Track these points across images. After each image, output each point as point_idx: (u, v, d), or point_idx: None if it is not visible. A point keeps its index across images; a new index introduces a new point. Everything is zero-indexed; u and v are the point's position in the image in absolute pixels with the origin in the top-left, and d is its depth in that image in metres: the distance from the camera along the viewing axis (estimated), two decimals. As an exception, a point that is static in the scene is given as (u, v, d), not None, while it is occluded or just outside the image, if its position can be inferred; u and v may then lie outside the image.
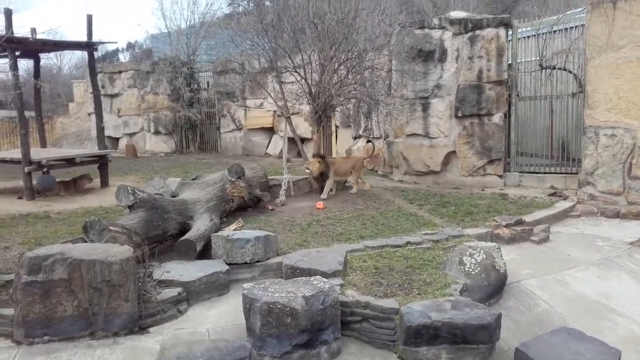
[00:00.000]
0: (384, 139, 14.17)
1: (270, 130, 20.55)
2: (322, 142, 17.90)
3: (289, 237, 7.75)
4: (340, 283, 5.80)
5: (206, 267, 6.34)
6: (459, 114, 12.24)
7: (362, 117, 15.41)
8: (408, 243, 7.35)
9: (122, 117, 22.77)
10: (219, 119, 21.91)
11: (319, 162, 10.22)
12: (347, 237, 7.75)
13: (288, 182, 10.72)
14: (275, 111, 19.52)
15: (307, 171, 10.27)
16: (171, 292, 5.81)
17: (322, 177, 10.40)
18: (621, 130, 10.05)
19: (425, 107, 12.58)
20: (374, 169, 15.11)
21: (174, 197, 8.55)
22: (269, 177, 10.84)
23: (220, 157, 20.27)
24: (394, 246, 7.22)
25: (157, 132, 21.87)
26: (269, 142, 20.75)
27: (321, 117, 11.08)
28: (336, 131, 18.55)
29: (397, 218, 8.99)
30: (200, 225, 7.35)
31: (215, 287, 6.17)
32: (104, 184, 12.64)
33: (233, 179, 9.16)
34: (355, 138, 16.89)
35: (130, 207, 7.10)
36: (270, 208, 9.81)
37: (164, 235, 7.27)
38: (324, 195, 10.26)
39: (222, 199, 8.81)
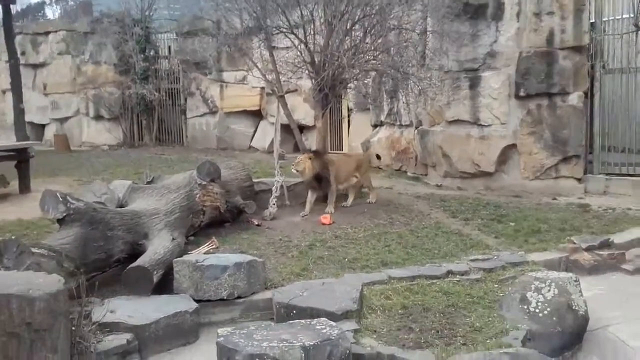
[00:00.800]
0: (416, 128, 14.18)
1: (257, 115, 20.64)
2: (329, 131, 18.01)
3: (283, 264, 7.75)
4: (355, 328, 5.78)
5: (166, 306, 6.33)
6: (521, 93, 12.24)
7: (384, 97, 15.42)
8: (449, 273, 7.34)
9: (50, 96, 22.89)
10: (185, 99, 21.99)
11: (309, 158, 10.09)
12: (364, 264, 7.75)
13: (281, 186, 10.73)
14: (263, 88, 19.58)
15: (295, 172, 10.16)
16: (117, 340, 5.79)
17: (318, 181, 10.44)
18: None
19: (474, 84, 12.65)
20: (401, 168, 15.12)
21: (121, 207, 8.53)
22: (254, 180, 10.87)
23: (186, 151, 20.35)
24: (430, 277, 7.21)
25: (98, 117, 21.99)
26: (254, 131, 20.81)
27: (328, 96, 11.09)
28: (349, 116, 18.59)
29: (433, 238, 8.99)
30: (158, 246, 7.35)
31: (178, 334, 6.16)
32: (24, 188, 12.68)
33: (204, 182, 9.15)
34: (375, 126, 16.90)
35: (60, 221, 7.11)
36: (257, 223, 9.81)
37: (108, 260, 7.28)
38: (329, 208, 10.32)
39: (189, 210, 8.80)
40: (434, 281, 7.11)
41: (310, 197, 10.36)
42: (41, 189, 8.92)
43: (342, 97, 16.88)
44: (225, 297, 6.67)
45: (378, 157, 11.99)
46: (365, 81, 13.30)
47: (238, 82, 20.32)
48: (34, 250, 6.25)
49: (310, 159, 10.10)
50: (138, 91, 20.91)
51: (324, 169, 10.31)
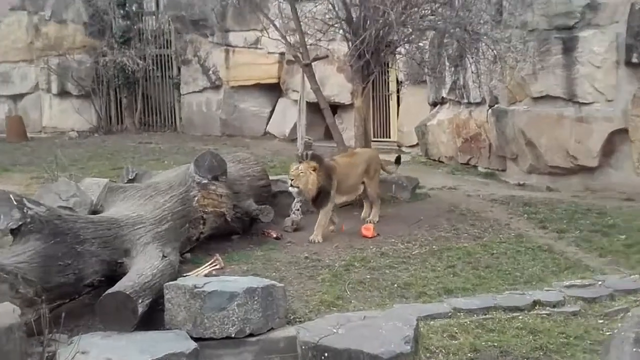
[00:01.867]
0: (490, 107, 14.06)
1: (274, 90, 20.70)
2: (372, 112, 17.89)
3: (310, 290, 7.74)
4: (408, 378, 5.75)
5: (155, 345, 6.33)
6: (634, 59, 12.07)
7: (447, 65, 15.32)
8: (536, 304, 7.27)
9: (0, 66, 23.10)
10: (179, 69, 22.09)
11: (314, 169, 9.72)
12: (420, 292, 7.72)
13: (308, 186, 10.76)
14: (282, 54, 19.63)
15: (293, 190, 9.79)
16: (90, 391, 5.82)
17: (319, 198, 9.94)
18: None
19: (569, 47, 12.54)
20: (469, 162, 15.02)
21: (95, 213, 8.58)
22: (271, 178, 10.88)
23: (180, 139, 20.44)
24: (510, 309, 7.15)
25: (63, 94, 22.16)
26: (271, 112, 20.82)
27: (370, 65, 11.05)
28: (399, 92, 18.49)
29: (514, 256, 8.94)
30: (143, 266, 7.37)
31: (171, 383, 6.17)
32: (-33, 188, 12.80)
33: (205, 181, 9.17)
34: (434, 104, 16.81)
35: (14, 233, 7.14)
36: (275, 235, 9.82)
37: (77, 284, 7.30)
38: (315, 236, 9.66)
39: (185, 217, 8.81)
40: (516, 315, 7.03)
41: (321, 217, 9.90)
42: (-11, 189, 8.99)
43: (390, 65, 16.79)
44: (233, 335, 6.64)
45: (398, 160, 11.52)
46: (421, 44, 13.23)
47: (249, 46, 20.36)
48: (-20, 270, 6.31)
49: (315, 169, 9.68)
50: (116, 59, 21.02)
51: (327, 180, 9.85)
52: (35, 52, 22.38)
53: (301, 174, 9.57)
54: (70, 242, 7.25)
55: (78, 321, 7.07)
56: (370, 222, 10.07)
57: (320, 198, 9.78)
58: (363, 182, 10.58)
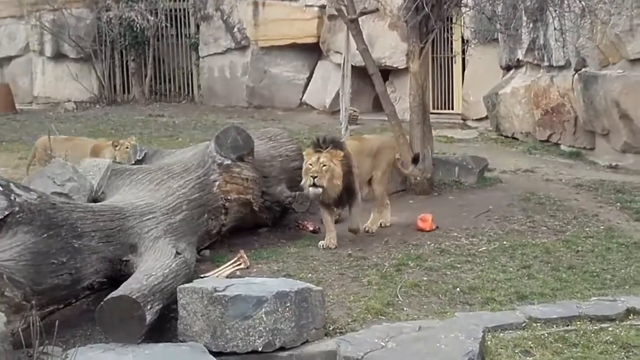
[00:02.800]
0: (576, 72, 13.92)
1: (313, 51, 20.77)
2: (431, 78, 17.75)
3: (354, 295, 7.75)
4: (471, 402, 5.76)
5: (166, 360, 6.42)
6: None
7: (523, 20, 15.19)
8: (630, 312, 7.20)
9: (-16, 24, 23.41)
10: (197, 27, 22.22)
11: (340, 158, 9.19)
12: (488, 297, 7.70)
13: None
14: (322, 7, 19.69)
15: (314, 191, 9.09)
16: (89, 415, 5.90)
17: (344, 194, 9.50)
18: None
19: (675, -4, 12.38)
20: (549, 138, 14.91)
21: (95, 201, 8.64)
22: (308, 159, 10.91)
23: (198, 110, 20.61)
24: (598, 319, 7.09)
25: (59, 57, 22.45)
26: (308, 79, 20.85)
27: (429, 20, 10.99)
28: (464, 54, 18.36)
29: (603, 254, 8.88)
30: (152, 265, 7.42)
31: (186, 406, 6.23)
32: (-55, 171, 12.99)
33: (228, 162, 9.21)
34: (508, 68, 16.69)
35: (-1, 224, 7.25)
36: (312, 228, 9.91)
37: (74, 286, 7.36)
38: (352, 225, 9.56)
39: (203, 206, 8.88)
40: (604, 326, 6.97)
41: (330, 219, 9.54)
42: (-30, 172, 9.11)
43: (453, 21, 16.68)
44: (260, 349, 6.68)
45: (415, 159, 10.85)
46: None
47: (282, -3, 20.43)
48: (-42, 269, 6.39)
49: (341, 159, 9.15)
50: (122, 14, 21.17)
51: (349, 169, 9.43)
52: (25, 6, 22.60)
53: (324, 167, 9.01)
54: (65, 235, 7.31)
55: (75, 330, 7.16)
56: (369, 230, 9.83)
57: (345, 194, 9.38)
58: (370, 178, 10.19)
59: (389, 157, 10.39)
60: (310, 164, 9.02)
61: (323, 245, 9.19)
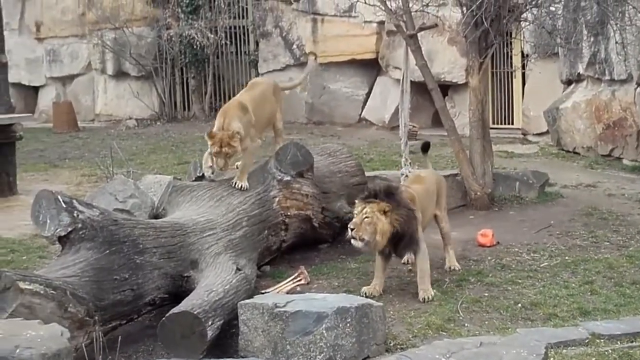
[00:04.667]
0: (638, 86, 13.76)
1: (372, 67, 20.71)
2: (491, 92, 17.64)
3: (415, 311, 7.76)
4: (534, 420, 5.70)
5: (228, 376, 6.42)
6: None
7: (584, 33, 15.08)
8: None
9: (47, 42, 23.67)
10: (257, 44, 22.24)
11: (385, 212, 8.18)
12: (550, 313, 7.65)
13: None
14: (382, 23, 19.61)
15: (356, 244, 8.25)
16: None
17: (402, 243, 8.50)
18: None
19: None
20: (611, 153, 14.77)
21: (157, 217, 8.71)
22: (367, 175, 10.88)
23: (258, 127, 20.55)
24: (663, 336, 7.01)
25: (120, 75, 22.63)
26: (367, 94, 20.78)
27: (489, 35, 10.94)
28: (524, 68, 18.25)
29: (669, 269, 8.80)
30: (213, 281, 7.45)
31: (247, 421, 6.24)
32: (7, 188, 13.11)
33: (287, 178, 9.24)
34: (568, 82, 16.56)
35: (63, 240, 7.28)
36: (372, 244, 9.84)
37: (136, 302, 7.42)
38: (425, 291, 8.26)
39: (264, 222, 8.91)
40: (671, 343, 6.88)
41: (382, 266, 8.62)
42: (33, 188, 9.19)
43: (513, 36, 16.60)
44: (321, 365, 6.70)
45: (425, 148, 9.89)
46: (552, 8, 13.06)
47: (341, 14, 20.41)
48: (22, 286, 6.45)
49: (386, 212, 8.16)
50: (183, 32, 21.34)
51: (407, 220, 8.37)
52: (87, 25, 22.86)
53: (366, 219, 8.08)
54: (127, 252, 7.38)
55: (137, 346, 7.21)
56: (450, 269, 9.18)
57: (403, 242, 8.39)
58: (435, 214, 9.35)
59: (445, 191, 9.59)
60: (355, 214, 8.24)
61: (366, 293, 8.20)
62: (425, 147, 9.90)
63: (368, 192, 8.43)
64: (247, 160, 9.16)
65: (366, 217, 8.06)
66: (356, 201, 8.46)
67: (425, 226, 8.93)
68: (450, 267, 9.09)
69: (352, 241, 8.17)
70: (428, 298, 8.13)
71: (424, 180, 9.36)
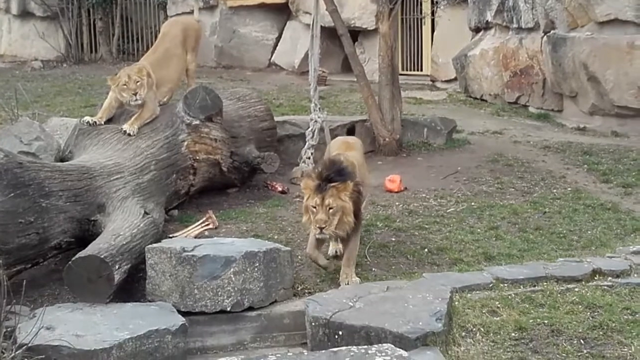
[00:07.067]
0: (545, 34, 13.93)
1: (282, 12, 20.66)
2: (400, 39, 17.72)
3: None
4: (438, 361, 5.79)
5: (134, 320, 6.38)
6: None
7: (492, -19, 15.22)
8: (596, 273, 7.27)
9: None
10: (165, -16, 21.96)
11: (347, 190, 7.28)
12: (456, 258, 7.76)
13: (321, 129, 10.81)
14: (292, -36, 19.48)
15: (322, 237, 7.44)
16: (56, 375, 5.88)
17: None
18: None
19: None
20: (518, 100, 14.94)
21: (63, 160, 8.59)
22: (277, 119, 10.93)
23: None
24: (564, 280, 7.16)
25: (25, 15, 22.10)
26: (277, 39, 20.73)
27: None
28: (433, 15, 18.32)
29: (570, 215, 8.95)
30: (121, 224, 7.41)
31: (154, 366, 6.25)
32: None
33: (196, 122, 9.18)
34: (477, 30, 16.69)
35: (-34, 183, 7.19)
36: (281, 189, 9.89)
37: (42, 246, 7.33)
38: (349, 273, 7.42)
39: (172, 166, 8.87)
40: (571, 286, 7.03)
41: (348, 251, 7.62)
42: None
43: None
44: (229, 309, 6.71)
45: (351, 131, 9.42)
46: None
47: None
48: None
49: (347, 191, 7.29)
50: (90, -29, 20.97)
51: (357, 197, 7.58)
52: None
53: (331, 210, 7.20)
54: (33, 195, 7.28)
55: (42, 290, 7.16)
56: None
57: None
58: None
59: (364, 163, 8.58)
60: (314, 207, 7.22)
61: (341, 283, 7.30)
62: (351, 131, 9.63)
63: (317, 178, 7.29)
64: (144, 113, 9.07)
65: (331, 209, 7.20)
66: (305, 183, 7.41)
67: (365, 198, 8.01)
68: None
69: (320, 235, 7.31)
70: (348, 283, 7.30)
71: (354, 146, 8.55)
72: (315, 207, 7.18)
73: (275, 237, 8.08)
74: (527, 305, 6.72)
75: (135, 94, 8.80)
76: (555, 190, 9.77)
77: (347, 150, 8.24)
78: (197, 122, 9.16)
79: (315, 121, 10.61)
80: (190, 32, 10.14)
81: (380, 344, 5.54)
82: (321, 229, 7.14)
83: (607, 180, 10.24)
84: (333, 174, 7.23)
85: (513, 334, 6.28)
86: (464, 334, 6.30)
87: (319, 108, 10.80)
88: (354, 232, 7.48)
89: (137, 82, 8.82)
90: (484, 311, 6.60)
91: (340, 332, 6.10)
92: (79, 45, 21.83)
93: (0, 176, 7.13)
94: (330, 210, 7.15)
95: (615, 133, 12.81)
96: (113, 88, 8.99)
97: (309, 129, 10.56)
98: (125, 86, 8.79)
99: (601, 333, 6.30)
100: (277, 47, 20.46)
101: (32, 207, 7.24)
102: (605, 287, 7.05)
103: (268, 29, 20.55)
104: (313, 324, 6.26)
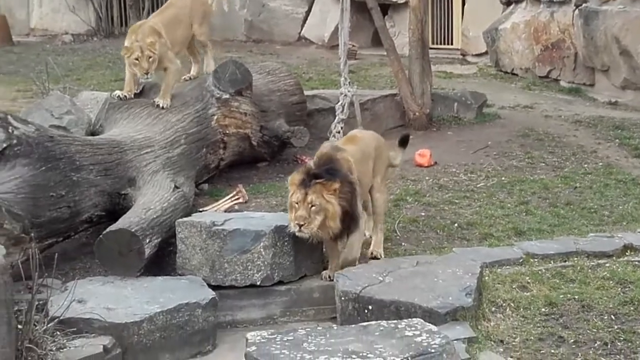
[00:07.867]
0: (576, 7, 13.83)
1: (312, -16, 20.59)
2: (430, 12, 17.62)
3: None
4: (469, 336, 5.77)
5: (165, 294, 6.43)
6: None
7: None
8: (628, 249, 7.25)
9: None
10: (195, -41, 21.86)
11: (335, 189, 6.81)
12: (486, 233, 7.75)
13: (351, 103, 10.75)
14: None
15: (298, 234, 6.83)
16: (89, 347, 5.88)
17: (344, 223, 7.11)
18: None
19: None
20: (549, 74, 14.85)
21: (94, 134, 8.63)
22: (306, 93, 10.91)
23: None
24: (595, 255, 7.15)
25: (56, -11, 22.15)
26: (307, 13, 20.62)
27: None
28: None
29: (601, 191, 8.92)
30: (151, 198, 7.44)
31: (184, 339, 6.26)
32: (-58, 103, 12.96)
33: (226, 96, 9.18)
34: (507, 3, 16.58)
35: (-3, 157, 7.23)
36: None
37: (73, 219, 7.40)
38: (348, 256, 7.12)
39: (202, 140, 8.90)
40: (602, 262, 7.01)
41: (331, 245, 7.28)
42: (-33, 104, 9.04)
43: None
44: (258, 283, 6.75)
45: (404, 141, 8.33)
46: None
47: None
48: (-43, 202, 6.39)
49: (335, 191, 6.82)
50: (119, -54, 20.95)
51: (349, 194, 7.03)
52: None
53: (313, 207, 6.73)
54: (64, 168, 7.34)
55: (74, 264, 7.22)
56: (372, 254, 7.58)
57: (345, 222, 7.00)
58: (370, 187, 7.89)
59: (385, 156, 7.99)
60: (296, 203, 6.79)
61: (325, 276, 7.08)
62: (404, 141, 8.36)
63: (302, 173, 6.91)
64: (170, 80, 9.07)
65: (313, 206, 6.72)
66: (292, 179, 6.99)
67: (363, 198, 7.54)
68: (372, 253, 7.47)
69: (297, 233, 6.79)
70: (353, 261, 7.05)
71: (360, 140, 7.88)
72: (297, 204, 6.75)
73: (306, 211, 8.08)
74: (558, 281, 6.71)
75: (146, 73, 8.74)
76: (586, 165, 9.72)
77: (348, 144, 7.69)
78: (227, 96, 9.18)
79: (345, 95, 10.58)
80: (197, 6, 10.12)
81: (409, 319, 5.56)
82: (300, 226, 6.68)
83: (638, 155, 10.17)
84: (320, 171, 6.84)
85: (543, 309, 6.28)
86: (493, 309, 6.30)
87: (349, 82, 10.76)
88: (354, 231, 7.08)
89: (150, 57, 8.71)
90: (514, 286, 6.61)
91: (370, 307, 6.12)
92: (109, 19, 21.80)
93: (31, 150, 7.19)
94: (313, 208, 6.70)
95: (650, 107, 12.74)
96: (125, 60, 8.96)
97: (339, 103, 10.53)
98: (137, 61, 8.71)
99: (632, 309, 6.28)
100: (307, 21, 20.36)
101: (63, 181, 7.30)
102: (637, 263, 7.04)
103: (298, 2, 20.45)
104: (342, 298, 6.28)
